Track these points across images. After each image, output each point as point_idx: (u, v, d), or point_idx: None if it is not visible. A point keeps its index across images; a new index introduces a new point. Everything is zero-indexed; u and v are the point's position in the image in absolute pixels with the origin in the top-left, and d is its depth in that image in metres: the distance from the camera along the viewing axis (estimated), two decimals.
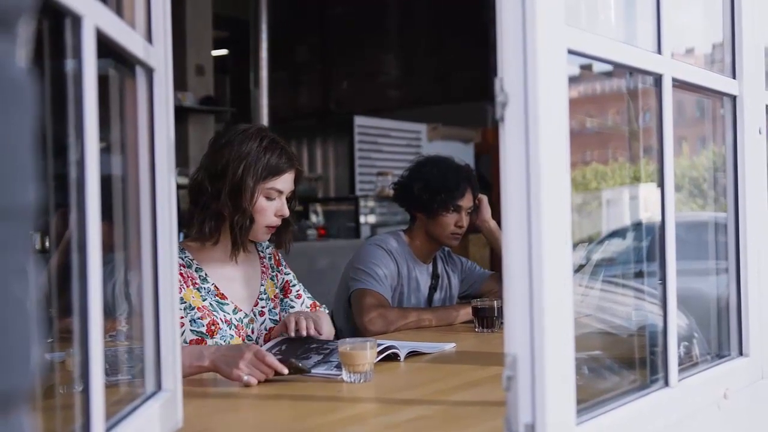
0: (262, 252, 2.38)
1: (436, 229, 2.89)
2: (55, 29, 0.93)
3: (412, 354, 2.15)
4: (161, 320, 1.33)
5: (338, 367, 1.87)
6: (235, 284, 2.26)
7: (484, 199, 3.01)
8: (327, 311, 2.50)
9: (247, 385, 1.80)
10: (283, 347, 2.06)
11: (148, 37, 1.30)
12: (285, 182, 2.20)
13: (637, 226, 1.90)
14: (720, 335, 1.82)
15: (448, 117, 8.06)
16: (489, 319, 2.60)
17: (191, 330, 2.12)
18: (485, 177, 6.34)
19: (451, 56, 8.62)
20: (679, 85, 1.54)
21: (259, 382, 1.81)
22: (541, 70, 1.11)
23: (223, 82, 8.97)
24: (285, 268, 2.42)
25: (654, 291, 1.60)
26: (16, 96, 0.57)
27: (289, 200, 2.24)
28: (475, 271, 3.13)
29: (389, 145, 7.78)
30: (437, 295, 3.01)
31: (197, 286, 2.17)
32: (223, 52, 9.09)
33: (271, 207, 2.19)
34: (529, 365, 1.12)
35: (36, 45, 0.76)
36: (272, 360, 1.82)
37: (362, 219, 7.13)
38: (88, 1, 0.95)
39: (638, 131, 1.77)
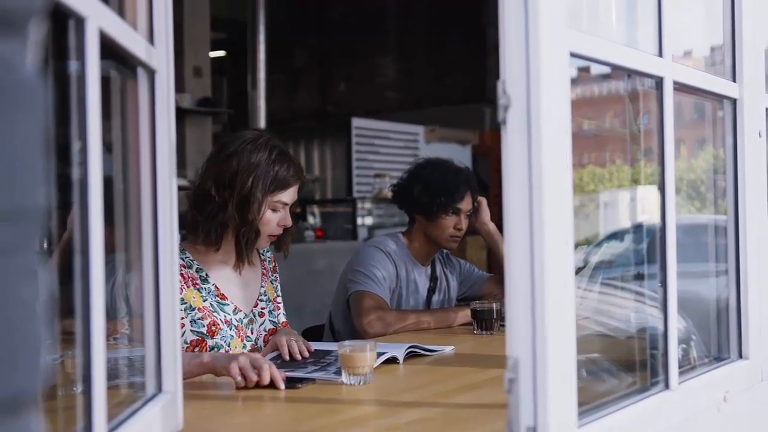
0: (263, 255, 2.39)
1: (435, 231, 2.89)
2: (58, 30, 0.92)
3: (412, 355, 2.15)
4: (162, 323, 1.32)
5: (337, 373, 1.87)
6: (236, 285, 2.26)
7: (483, 201, 3.01)
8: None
9: (240, 386, 1.79)
10: (279, 361, 2.05)
11: (150, 39, 1.29)
12: (291, 194, 2.22)
13: (635, 228, 1.91)
14: (720, 338, 1.83)
15: (446, 119, 8.05)
16: (488, 321, 2.59)
17: (192, 330, 2.12)
18: (482, 179, 6.34)
19: (449, 58, 8.62)
20: (680, 87, 1.54)
21: (256, 385, 1.80)
22: (544, 73, 1.11)
23: (221, 83, 8.97)
24: (278, 275, 2.44)
25: (653, 293, 1.60)
26: (26, 98, 0.57)
27: (291, 208, 2.26)
28: (473, 273, 3.13)
29: (387, 147, 7.77)
30: (436, 298, 3.01)
31: (198, 286, 2.17)
32: (221, 53, 9.08)
33: (275, 218, 2.20)
34: (531, 368, 1.12)
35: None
36: (270, 370, 1.80)
37: (359, 221, 7.12)
38: (91, 3, 0.95)
39: (636, 134, 1.77)
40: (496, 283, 3.05)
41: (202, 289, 2.18)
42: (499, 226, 2.77)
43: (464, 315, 2.75)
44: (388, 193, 5.07)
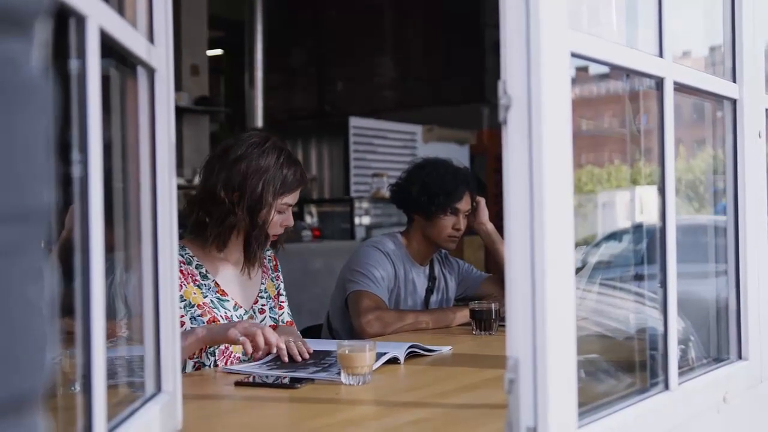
0: (263, 252, 2.39)
1: (433, 231, 2.89)
2: (58, 29, 0.92)
3: (411, 355, 2.14)
4: (161, 322, 1.32)
5: (339, 373, 1.87)
6: (236, 281, 2.28)
7: (482, 201, 3.01)
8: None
9: (248, 353, 1.85)
10: (278, 362, 2.04)
11: (150, 37, 1.29)
12: (296, 197, 2.26)
13: (634, 228, 1.90)
14: (719, 339, 1.82)
15: (444, 119, 8.05)
16: (486, 321, 2.59)
17: (192, 328, 2.12)
18: (480, 178, 6.34)
19: (446, 58, 8.62)
20: (680, 88, 1.54)
21: (253, 383, 1.80)
22: (545, 73, 1.11)
23: (218, 82, 8.96)
24: (280, 274, 2.45)
25: (652, 294, 1.60)
26: (31, 97, 0.56)
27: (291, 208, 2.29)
28: (472, 273, 3.12)
29: (384, 147, 7.76)
30: (434, 298, 3.00)
31: (198, 283, 2.18)
32: (218, 52, 9.07)
33: (279, 219, 2.24)
34: (531, 368, 1.11)
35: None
36: (267, 334, 1.87)
37: (357, 220, 7.11)
38: (92, 2, 0.95)
39: (634, 134, 1.77)
40: (494, 284, 3.05)
41: (202, 285, 2.18)
42: (497, 226, 2.76)
43: (463, 315, 2.75)
44: (386, 193, 5.07)
